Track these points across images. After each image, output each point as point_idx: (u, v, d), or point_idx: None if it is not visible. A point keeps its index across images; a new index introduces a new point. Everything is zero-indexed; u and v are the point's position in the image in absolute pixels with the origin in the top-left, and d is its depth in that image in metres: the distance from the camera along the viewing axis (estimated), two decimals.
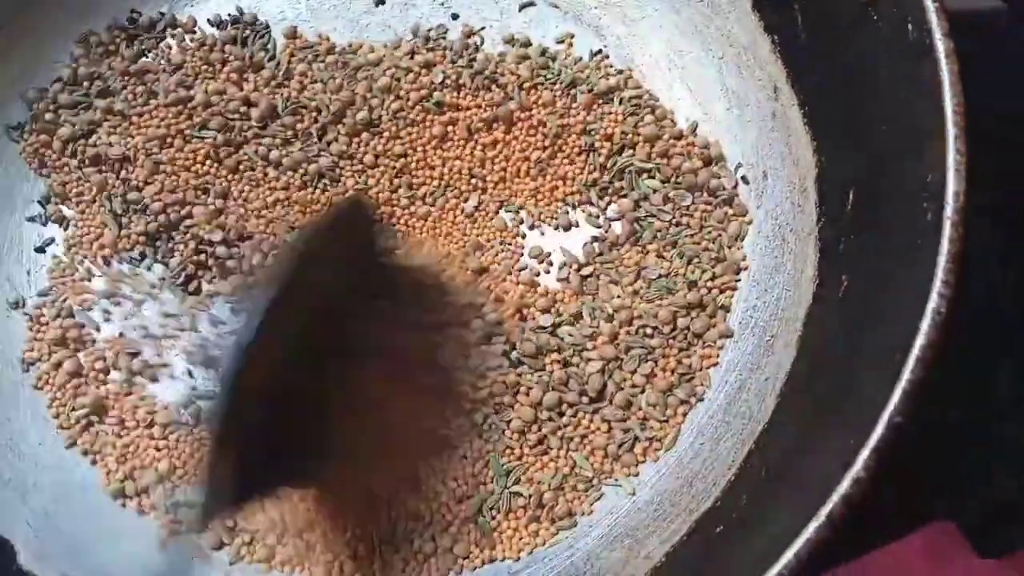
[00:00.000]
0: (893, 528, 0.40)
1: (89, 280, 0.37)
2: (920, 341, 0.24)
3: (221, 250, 0.37)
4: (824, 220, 0.33)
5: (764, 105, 0.37)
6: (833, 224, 0.32)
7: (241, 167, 0.38)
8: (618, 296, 0.35)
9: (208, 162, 0.38)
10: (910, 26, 0.28)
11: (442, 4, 0.41)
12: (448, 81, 0.39)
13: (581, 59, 0.40)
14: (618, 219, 0.37)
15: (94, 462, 0.35)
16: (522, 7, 0.41)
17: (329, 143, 0.38)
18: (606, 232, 0.37)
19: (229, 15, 0.41)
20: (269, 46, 0.40)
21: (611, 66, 0.39)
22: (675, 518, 0.31)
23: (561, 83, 0.39)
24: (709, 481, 0.31)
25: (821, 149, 0.34)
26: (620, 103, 0.38)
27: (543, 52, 0.40)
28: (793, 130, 0.35)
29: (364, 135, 0.39)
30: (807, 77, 0.35)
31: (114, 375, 0.36)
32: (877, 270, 0.29)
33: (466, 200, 0.38)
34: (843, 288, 0.31)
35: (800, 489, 0.26)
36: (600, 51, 0.40)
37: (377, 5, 0.42)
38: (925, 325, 0.24)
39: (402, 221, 0.38)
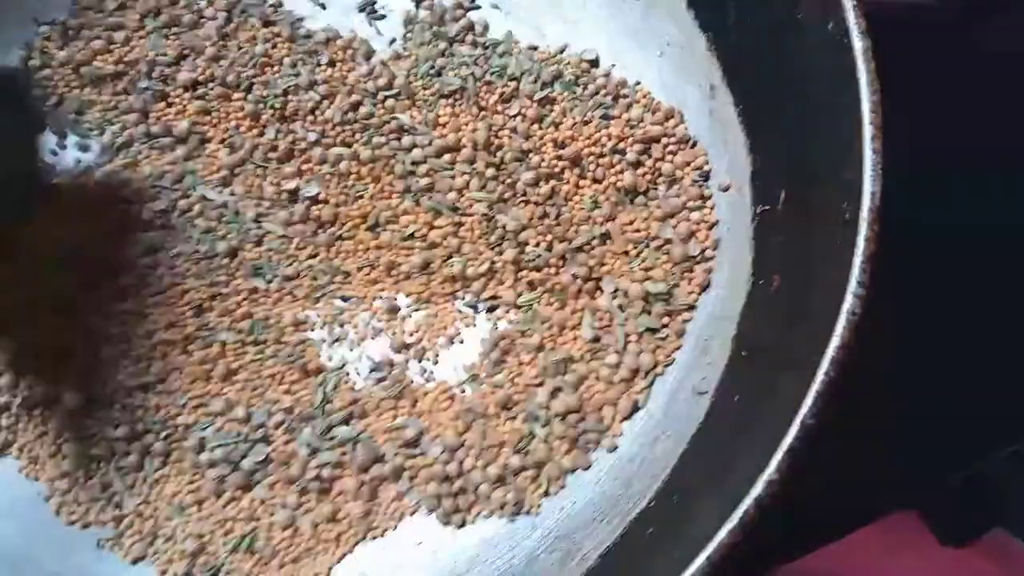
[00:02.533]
0: (856, 521, 0.41)
1: None
2: (834, 342, 0.24)
3: None
4: (758, 219, 0.33)
5: (701, 104, 0.37)
6: (767, 223, 0.32)
7: None
8: None
9: None
10: (830, 25, 0.28)
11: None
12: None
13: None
14: None
15: None
16: (467, 9, 0.41)
17: None
18: None
19: None
20: None
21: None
22: (612, 519, 0.31)
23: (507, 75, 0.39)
24: (645, 483, 0.31)
25: (755, 148, 0.34)
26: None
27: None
28: (730, 129, 0.35)
29: None
30: (741, 76, 0.35)
31: None
32: (805, 269, 0.29)
33: None
34: (775, 287, 0.31)
35: (723, 490, 0.26)
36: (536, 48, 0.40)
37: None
38: (840, 327, 0.24)
39: None
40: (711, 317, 0.34)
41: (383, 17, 0.41)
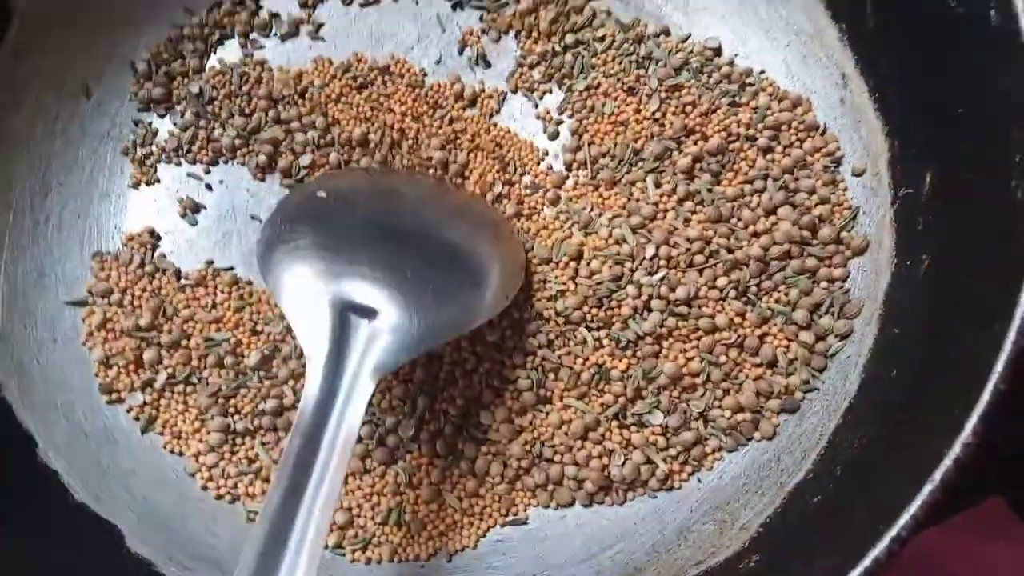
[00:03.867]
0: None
1: None
2: (1019, 314, 0.25)
3: None
4: (899, 201, 0.34)
5: (832, 92, 0.37)
6: (910, 205, 0.33)
7: None
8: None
9: None
10: (992, 12, 0.29)
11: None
12: None
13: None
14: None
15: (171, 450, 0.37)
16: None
17: None
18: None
19: None
20: None
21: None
22: (766, 491, 0.32)
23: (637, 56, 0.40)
24: (797, 455, 0.32)
25: (893, 133, 0.35)
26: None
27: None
28: (863, 116, 0.36)
29: None
30: (878, 64, 0.36)
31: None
32: (963, 250, 0.30)
33: None
34: (925, 266, 0.32)
35: (900, 457, 0.27)
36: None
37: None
38: (1012, 330, 0.25)
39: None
40: (855, 295, 0.35)
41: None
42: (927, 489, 0.24)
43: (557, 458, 0.35)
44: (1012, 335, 0.25)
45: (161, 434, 0.37)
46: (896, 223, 0.34)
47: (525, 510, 0.35)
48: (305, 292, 0.32)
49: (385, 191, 0.38)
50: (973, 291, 0.28)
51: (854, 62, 0.37)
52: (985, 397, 0.24)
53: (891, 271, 0.33)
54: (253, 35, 0.43)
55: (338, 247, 0.33)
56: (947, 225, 0.31)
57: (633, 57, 0.41)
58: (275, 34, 0.43)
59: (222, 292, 0.38)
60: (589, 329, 0.36)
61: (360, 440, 0.36)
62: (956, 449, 0.24)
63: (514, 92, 0.42)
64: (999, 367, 0.25)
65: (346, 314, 0.31)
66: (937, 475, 0.24)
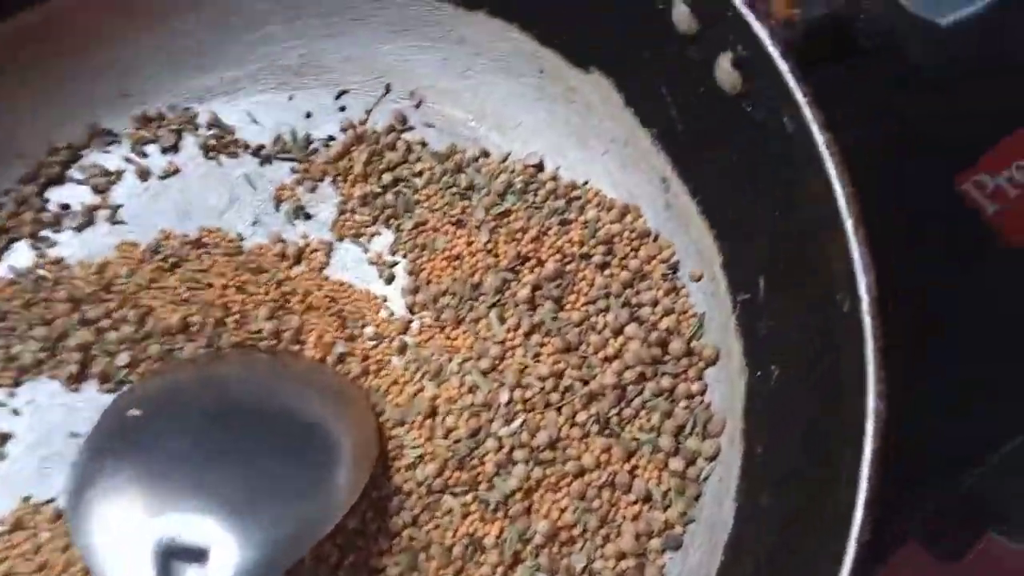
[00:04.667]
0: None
1: None
2: (869, 447, 0.24)
3: None
4: (739, 307, 0.33)
5: (657, 197, 0.37)
6: (751, 311, 0.32)
7: None
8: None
9: None
10: (785, 119, 0.28)
11: None
12: None
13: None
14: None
15: None
16: (400, 131, 0.41)
17: None
18: None
19: None
20: None
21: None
22: None
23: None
24: None
25: (721, 236, 0.34)
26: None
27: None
28: (690, 220, 0.35)
29: None
30: (694, 167, 0.35)
31: None
32: (805, 361, 0.29)
33: None
34: (776, 376, 0.31)
35: None
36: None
37: None
38: (870, 428, 0.24)
39: None
40: (715, 410, 0.33)
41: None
42: None
43: None
44: (866, 472, 0.24)
45: None
46: (740, 330, 0.33)
47: None
48: (116, 543, 0.28)
49: (211, 384, 0.35)
50: (822, 410, 0.27)
51: (671, 166, 0.36)
52: (850, 551, 0.23)
53: (744, 383, 0.32)
54: (44, 232, 0.39)
55: (155, 479, 0.30)
56: (787, 333, 0.30)
57: (455, 189, 0.39)
58: (69, 227, 0.39)
59: (45, 531, 0.34)
60: (454, 496, 0.34)
61: None
62: None
63: (340, 240, 0.40)
64: (858, 513, 0.23)
65: (169, 563, 0.28)
66: None
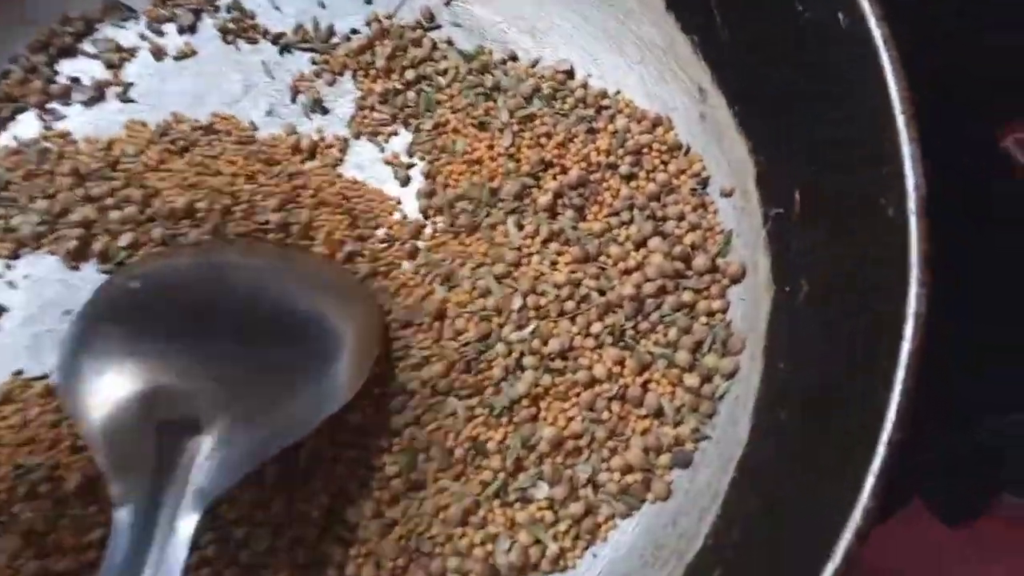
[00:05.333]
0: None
1: None
2: (906, 347, 0.23)
3: None
4: (771, 222, 0.31)
5: (691, 109, 0.35)
6: (782, 226, 0.31)
7: None
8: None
9: None
10: (840, 15, 0.27)
11: None
12: None
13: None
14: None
15: None
16: (427, 29, 0.39)
17: None
18: None
19: None
20: None
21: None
22: (666, 563, 0.29)
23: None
24: (694, 517, 0.29)
25: (757, 149, 0.32)
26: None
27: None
28: (725, 132, 0.34)
29: None
30: (734, 76, 0.33)
31: None
32: (839, 274, 0.27)
33: None
34: (804, 292, 0.29)
35: (800, 521, 0.24)
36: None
37: None
38: (908, 329, 0.23)
39: None
40: (736, 328, 0.32)
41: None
42: (829, 570, 0.21)
43: (437, 550, 0.31)
44: (901, 374, 0.22)
45: None
46: (770, 246, 0.31)
47: None
48: (109, 411, 0.27)
49: (214, 269, 0.34)
50: (855, 321, 0.26)
51: (710, 76, 0.34)
52: (879, 455, 0.21)
53: (770, 299, 0.31)
54: (51, 104, 0.38)
55: (151, 350, 0.29)
56: (821, 248, 0.29)
57: (480, 89, 0.37)
58: (78, 101, 0.38)
59: (35, 407, 0.33)
60: (459, 398, 0.32)
61: (209, 563, 0.31)
62: (856, 520, 0.21)
63: (357, 138, 0.38)
64: (891, 416, 0.22)
65: (162, 433, 0.27)
66: (839, 552, 0.21)
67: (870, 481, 0.21)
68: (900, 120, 0.25)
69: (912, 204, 0.24)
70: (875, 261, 0.25)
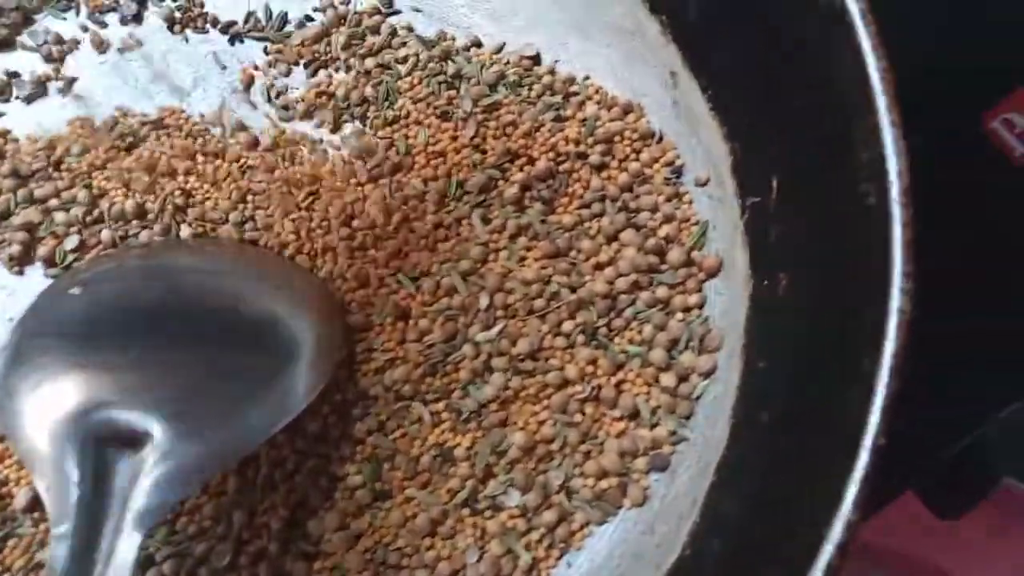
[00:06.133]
0: None
1: None
2: (888, 348, 0.21)
3: None
4: (748, 212, 0.30)
5: (663, 95, 0.33)
6: (760, 215, 0.29)
7: None
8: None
9: None
10: None
11: None
12: None
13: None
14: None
15: None
16: (386, 14, 0.37)
17: None
18: None
19: None
20: None
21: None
22: (642, 574, 0.27)
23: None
24: (672, 524, 0.28)
25: (733, 135, 0.31)
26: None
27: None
28: (698, 118, 0.32)
29: None
30: (706, 59, 0.32)
31: None
32: (820, 265, 0.26)
33: None
34: (783, 285, 0.28)
35: (779, 530, 0.23)
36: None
37: None
38: (891, 327, 0.21)
39: None
40: (714, 325, 0.31)
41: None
42: None
43: (404, 562, 0.29)
44: (884, 376, 0.21)
45: None
46: (748, 237, 0.30)
47: None
48: (46, 427, 0.25)
49: (163, 271, 0.32)
50: (837, 316, 0.25)
51: (681, 59, 0.33)
52: (861, 463, 0.20)
53: (748, 293, 0.29)
54: None
55: (92, 361, 0.27)
56: (801, 237, 0.27)
57: (442, 77, 0.36)
58: (17, 97, 0.36)
59: None
60: (424, 403, 0.31)
61: None
62: (837, 532, 0.20)
63: (317, 129, 0.36)
64: (874, 420, 0.20)
65: (103, 449, 0.25)
66: (820, 565, 0.20)
67: (852, 491, 0.20)
68: (881, 103, 0.23)
69: (895, 192, 0.22)
70: (857, 252, 0.24)
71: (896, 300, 0.22)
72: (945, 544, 0.47)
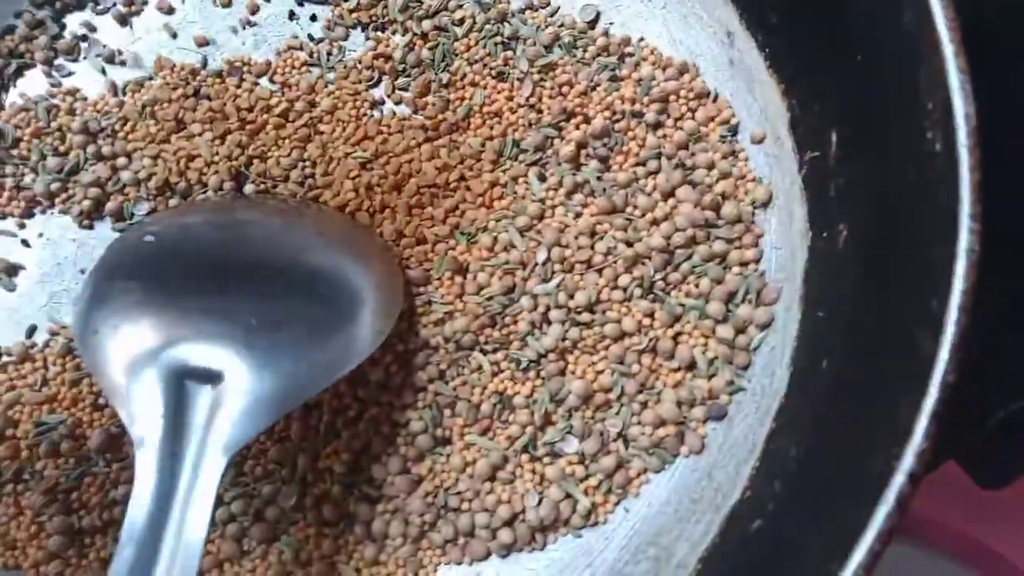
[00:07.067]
0: None
1: None
2: (958, 286, 0.22)
3: None
4: (807, 166, 0.30)
5: (719, 54, 0.34)
6: (819, 169, 0.30)
7: None
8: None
9: None
10: None
11: None
12: None
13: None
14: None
15: None
16: None
17: None
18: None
19: None
20: None
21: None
22: (701, 517, 0.28)
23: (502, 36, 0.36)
24: (730, 470, 0.28)
25: (790, 91, 0.31)
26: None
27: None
28: (755, 77, 0.33)
29: None
30: (763, 16, 0.32)
31: None
32: (882, 214, 0.26)
33: None
34: (843, 237, 0.28)
35: (844, 469, 0.23)
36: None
37: None
38: (960, 267, 0.22)
39: None
40: (771, 278, 0.31)
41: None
42: (882, 513, 0.20)
43: (464, 506, 0.30)
44: (954, 314, 0.21)
45: None
46: (806, 191, 0.30)
47: (435, 571, 0.30)
48: (128, 363, 0.26)
49: (230, 223, 0.33)
50: (902, 262, 0.25)
51: (738, 17, 0.33)
52: (932, 396, 0.20)
53: (807, 246, 0.30)
54: (59, 61, 0.37)
55: (168, 301, 0.28)
56: (861, 188, 0.28)
57: (498, 39, 0.36)
58: (85, 57, 0.37)
59: (53, 365, 0.32)
60: (484, 353, 0.32)
61: (233, 519, 0.30)
62: (908, 461, 0.20)
63: (373, 89, 0.37)
64: (943, 354, 0.21)
65: (182, 383, 0.26)
66: (891, 495, 0.20)
67: (922, 423, 0.20)
68: (948, 49, 0.23)
69: (963, 136, 0.23)
70: (921, 198, 0.24)
71: (964, 240, 0.22)
72: (985, 514, 0.47)
